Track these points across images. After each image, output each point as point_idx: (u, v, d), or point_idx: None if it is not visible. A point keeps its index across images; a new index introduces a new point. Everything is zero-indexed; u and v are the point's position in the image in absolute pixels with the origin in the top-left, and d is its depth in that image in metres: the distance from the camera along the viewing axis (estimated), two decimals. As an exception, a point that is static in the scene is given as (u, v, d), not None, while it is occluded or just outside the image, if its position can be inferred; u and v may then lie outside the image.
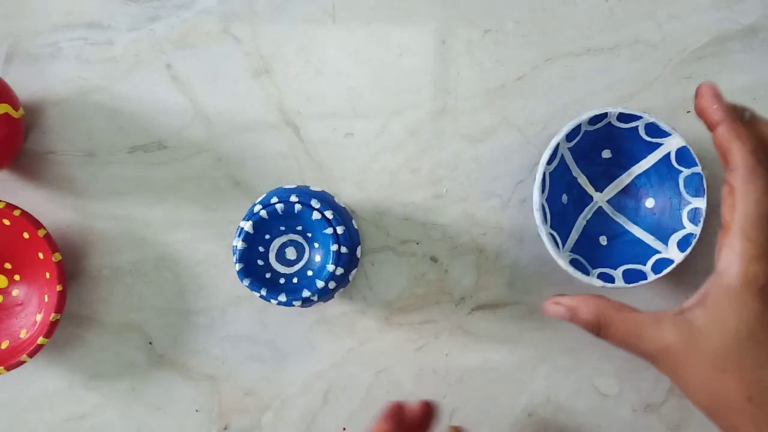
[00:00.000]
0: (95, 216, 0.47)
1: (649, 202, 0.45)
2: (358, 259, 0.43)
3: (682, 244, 0.42)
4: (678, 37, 0.46)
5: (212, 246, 0.47)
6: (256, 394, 0.47)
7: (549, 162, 0.42)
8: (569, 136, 0.42)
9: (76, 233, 0.47)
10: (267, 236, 0.42)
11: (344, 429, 0.47)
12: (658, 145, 0.43)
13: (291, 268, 0.42)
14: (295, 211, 0.40)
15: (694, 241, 0.41)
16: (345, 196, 0.46)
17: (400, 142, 0.47)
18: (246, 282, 0.40)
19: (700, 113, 0.32)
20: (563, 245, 0.43)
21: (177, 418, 0.47)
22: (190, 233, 0.47)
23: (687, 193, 0.42)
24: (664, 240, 0.43)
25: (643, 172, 0.44)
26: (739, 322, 0.28)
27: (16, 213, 0.42)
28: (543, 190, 0.42)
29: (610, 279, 0.42)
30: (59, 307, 0.42)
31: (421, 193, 0.47)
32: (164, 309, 0.47)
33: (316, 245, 0.42)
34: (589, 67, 0.47)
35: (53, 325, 0.42)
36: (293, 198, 0.40)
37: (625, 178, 0.45)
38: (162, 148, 0.47)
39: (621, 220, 0.45)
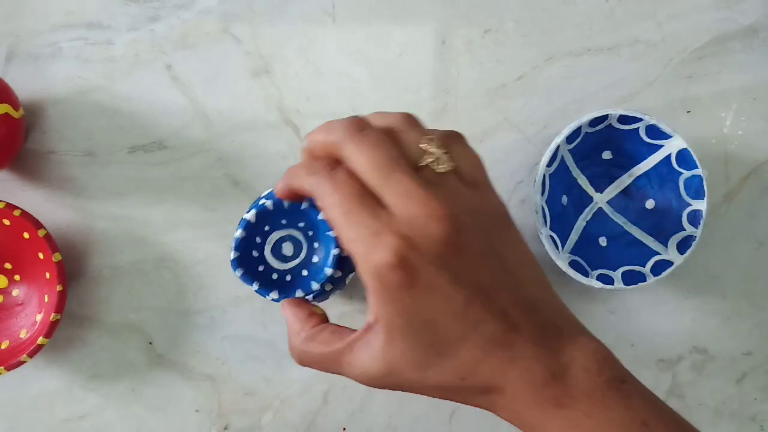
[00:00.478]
0: (95, 216, 0.47)
1: (649, 204, 0.45)
2: None
3: (681, 246, 0.42)
4: (678, 37, 0.46)
5: (212, 246, 0.47)
6: (256, 395, 0.47)
7: (549, 164, 0.42)
8: (569, 138, 0.42)
9: (76, 233, 0.47)
10: (267, 228, 0.41)
11: (344, 429, 0.47)
12: (659, 146, 0.43)
13: (285, 264, 0.42)
14: (301, 208, 0.39)
15: (694, 243, 0.41)
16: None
17: (400, 142, 0.47)
18: (238, 273, 0.39)
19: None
20: (563, 246, 0.43)
21: (177, 418, 0.47)
22: (189, 233, 0.47)
23: (687, 194, 0.42)
24: (664, 241, 0.43)
25: (644, 173, 0.44)
26: (404, 325, 0.25)
27: (17, 213, 0.42)
28: (543, 192, 0.42)
29: (609, 280, 0.42)
30: (59, 307, 0.42)
31: (421, 193, 0.47)
32: (164, 309, 0.47)
33: (316, 245, 0.42)
34: (590, 67, 0.47)
35: (53, 325, 0.42)
36: None
37: (626, 179, 0.45)
38: (162, 148, 0.47)
39: (621, 221, 0.45)
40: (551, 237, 0.42)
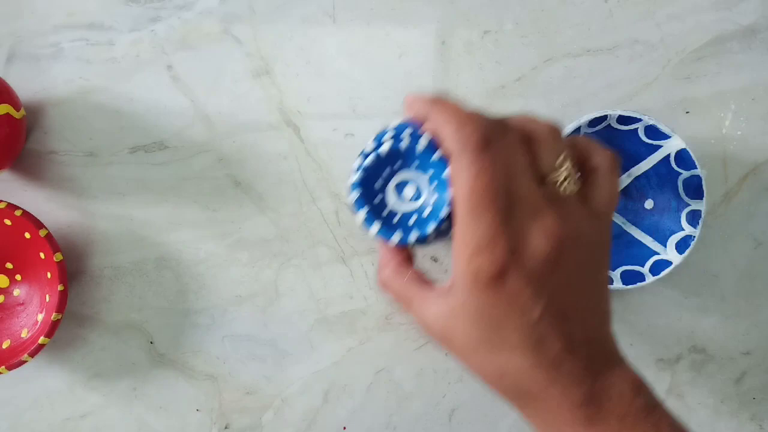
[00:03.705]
0: (96, 216, 0.47)
1: (648, 204, 0.45)
2: None
3: (680, 246, 0.42)
4: (677, 38, 0.47)
5: (213, 246, 0.47)
6: (257, 394, 0.47)
7: (548, 163, 0.42)
8: (568, 138, 0.42)
9: (78, 233, 0.47)
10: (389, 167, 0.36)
11: (344, 428, 0.47)
12: (658, 146, 0.43)
13: (409, 205, 0.37)
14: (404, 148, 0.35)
15: (692, 243, 0.41)
16: (345, 196, 0.47)
17: (400, 142, 0.47)
18: (356, 200, 0.35)
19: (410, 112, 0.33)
20: (562, 246, 0.43)
21: (178, 417, 0.47)
22: (190, 233, 0.47)
23: (686, 194, 0.43)
24: (663, 241, 0.43)
25: (643, 173, 0.45)
26: (475, 311, 0.27)
27: (18, 213, 0.42)
28: (542, 191, 0.42)
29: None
30: (60, 307, 0.43)
31: (421, 193, 0.47)
32: (165, 308, 0.47)
33: (430, 186, 0.36)
34: (589, 68, 0.47)
35: (54, 324, 0.43)
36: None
37: (625, 180, 0.45)
38: (163, 149, 0.47)
39: (620, 221, 0.45)
40: (550, 237, 0.42)
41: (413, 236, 0.35)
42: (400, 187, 0.37)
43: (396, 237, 0.35)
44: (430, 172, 0.36)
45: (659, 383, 0.46)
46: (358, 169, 0.36)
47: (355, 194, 0.35)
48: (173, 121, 0.47)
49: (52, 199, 0.47)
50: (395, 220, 0.36)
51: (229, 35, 0.47)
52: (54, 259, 0.43)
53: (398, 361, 0.47)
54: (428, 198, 0.37)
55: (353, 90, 0.47)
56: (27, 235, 0.43)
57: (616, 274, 0.42)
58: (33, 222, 0.43)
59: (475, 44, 0.47)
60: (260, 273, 0.47)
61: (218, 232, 0.47)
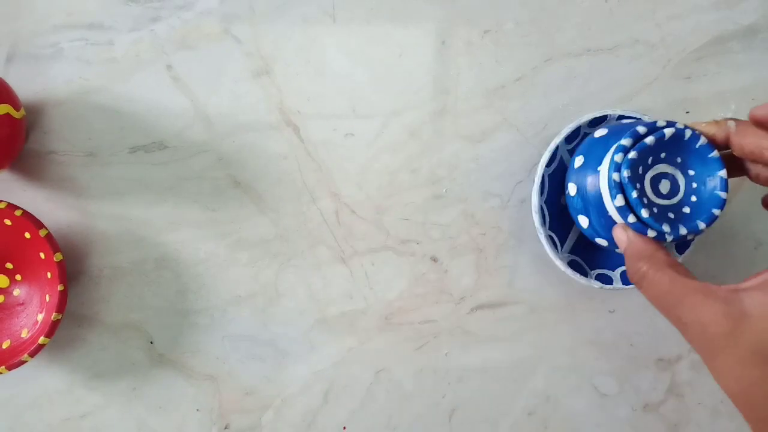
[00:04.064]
0: (96, 216, 0.47)
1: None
2: None
3: (680, 246, 0.42)
4: (677, 38, 0.47)
5: (213, 246, 0.47)
6: (257, 394, 0.47)
7: (548, 164, 0.42)
8: (569, 138, 0.42)
9: (77, 233, 0.47)
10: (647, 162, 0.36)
11: (344, 428, 0.47)
12: (658, 146, 0.43)
13: (664, 200, 0.36)
14: (686, 138, 0.35)
15: (692, 244, 0.41)
16: (345, 196, 0.47)
17: (400, 142, 0.47)
18: (645, 213, 0.34)
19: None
20: (562, 246, 0.43)
21: (177, 417, 0.47)
22: (190, 233, 0.47)
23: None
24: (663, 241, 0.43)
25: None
26: None
27: (18, 213, 0.42)
28: (542, 192, 0.42)
29: (608, 280, 0.42)
30: (60, 307, 0.43)
31: (421, 193, 0.47)
32: (165, 309, 0.47)
33: (694, 185, 0.36)
34: (589, 68, 0.47)
35: (54, 324, 0.43)
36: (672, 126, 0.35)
37: (625, 179, 0.45)
38: (163, 149, 0.47)
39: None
40: (550, 237, 0.42)
41: (682, 231, 0.34)
42: (655, 180, 0.36)
43: (666, 228, 0.33)
44: (691, 172, 0.36)
45: (659, 383, 0.46)
46: (627, 150, 0.34)
47: (626, 174, 0.34)
48: (173, 121, 0.47)
49: (51, 199, 0.47)
50: (653, 212, 0.34)
51: (228, 35, 0.47)
52: (54, 259, 0.43)
53: (398, 361, 0.47)
54: (684, 197, 0.36)
55: (353, 90, 0.47)
56: (27, 235, 0.43)
57: (615, 274, 0.42)
58: (33, 222, 0.43)
59: (475, 44, 0.47)
60: (260, 273, 0.47)
61: (218, 232, 0.47)
